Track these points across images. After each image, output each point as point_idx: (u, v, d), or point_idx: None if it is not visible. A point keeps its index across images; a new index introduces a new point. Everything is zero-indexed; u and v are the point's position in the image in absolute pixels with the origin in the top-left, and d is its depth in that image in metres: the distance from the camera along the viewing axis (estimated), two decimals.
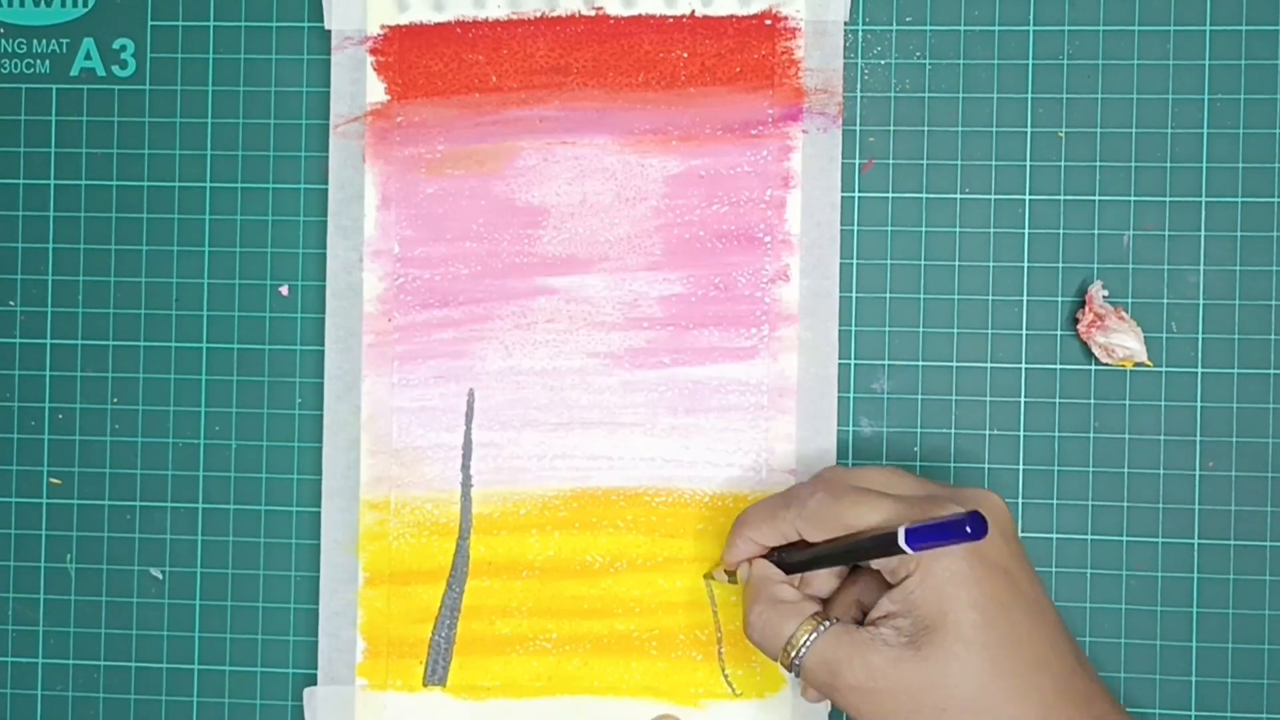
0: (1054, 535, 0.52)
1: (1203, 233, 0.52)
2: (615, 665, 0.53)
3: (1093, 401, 0.52)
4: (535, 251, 0.54)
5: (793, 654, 0.44)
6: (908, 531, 0.40)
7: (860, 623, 0.45)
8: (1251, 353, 0.52)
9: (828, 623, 0.44)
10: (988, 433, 0.53)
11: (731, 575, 0.51)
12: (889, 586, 0.43)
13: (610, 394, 0.53)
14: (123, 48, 0.55)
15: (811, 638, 0.44)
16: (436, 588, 0.53)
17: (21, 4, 0.56)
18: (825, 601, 0.47)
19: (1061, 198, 0.53)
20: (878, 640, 0.43)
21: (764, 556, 0.48)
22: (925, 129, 0.53)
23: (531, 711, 0.53)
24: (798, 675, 0.45)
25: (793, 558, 0.47)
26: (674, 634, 0.53)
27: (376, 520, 0.54)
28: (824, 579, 0.47)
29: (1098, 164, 0.53)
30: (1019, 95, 0.53)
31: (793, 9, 0.53)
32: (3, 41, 0.56)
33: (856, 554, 0.44)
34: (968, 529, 0.40)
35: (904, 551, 0.41)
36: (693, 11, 0.53)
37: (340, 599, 0.54)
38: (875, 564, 0.43)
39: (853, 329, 0.53)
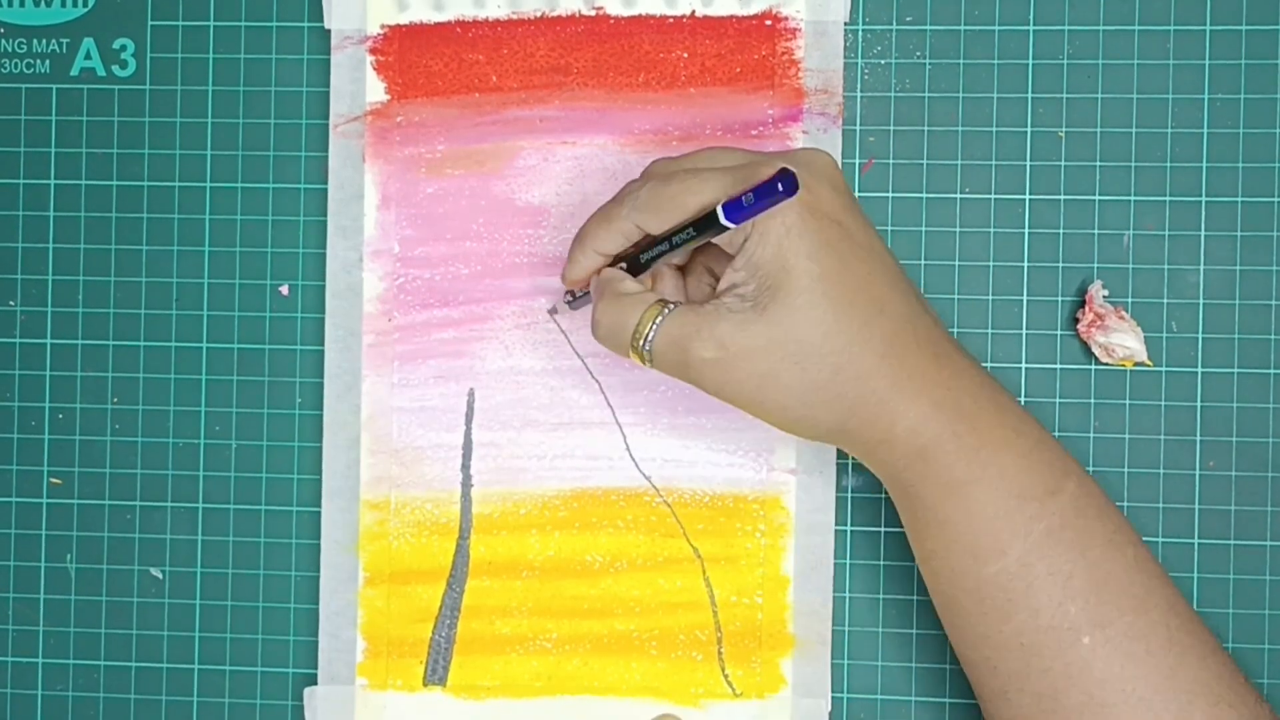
0: None
1: (1203, 233, 0.52)
2: (615, 665, 0.53)
3: (1093, 401, 0.52)
4: (535, 251, 0.54)
5: (641, 342, 0.44)
6: (725, 206, 0.41)
7: None
8: (1251, 353, 0.52)
9: (672, 305, 0.44)
10: None
11: (574, 298, 0.50)
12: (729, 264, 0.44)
13: (610, 394, 0.53)
14: (123, 48, 0.55)
15: (657, 321, 0.44)
16: (436, 588, 0.53)
17: (21, 4, 0.56)
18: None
19: (1061, 198, 0.53)
20: (722, 309, 0.43)
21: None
22: (925, 129, 0.53)
23: (531, 711, 0.53)
24: (650, 364, 0.45)
25: (633, 261, 0.47)
26: (674, 634, 0.53)
27: (376, 520, 0.54)
28: (671, 279, 0.48)
29: (1098, 164, 0.53)
30: (1019, 95, 0.53)
31: (793, 9, 0.53)
32: (3, 41, 0.56)
33: (687, 239, 0.44)
34: (779, 187, 0.40)
35: (727, 227, 0.41)
36: (693, 12, 0.53)
37: (340, 599, 0.54)
38: (716, 241, 0.44)
39: None
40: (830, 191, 0.44)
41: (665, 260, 0.46)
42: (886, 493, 0.52)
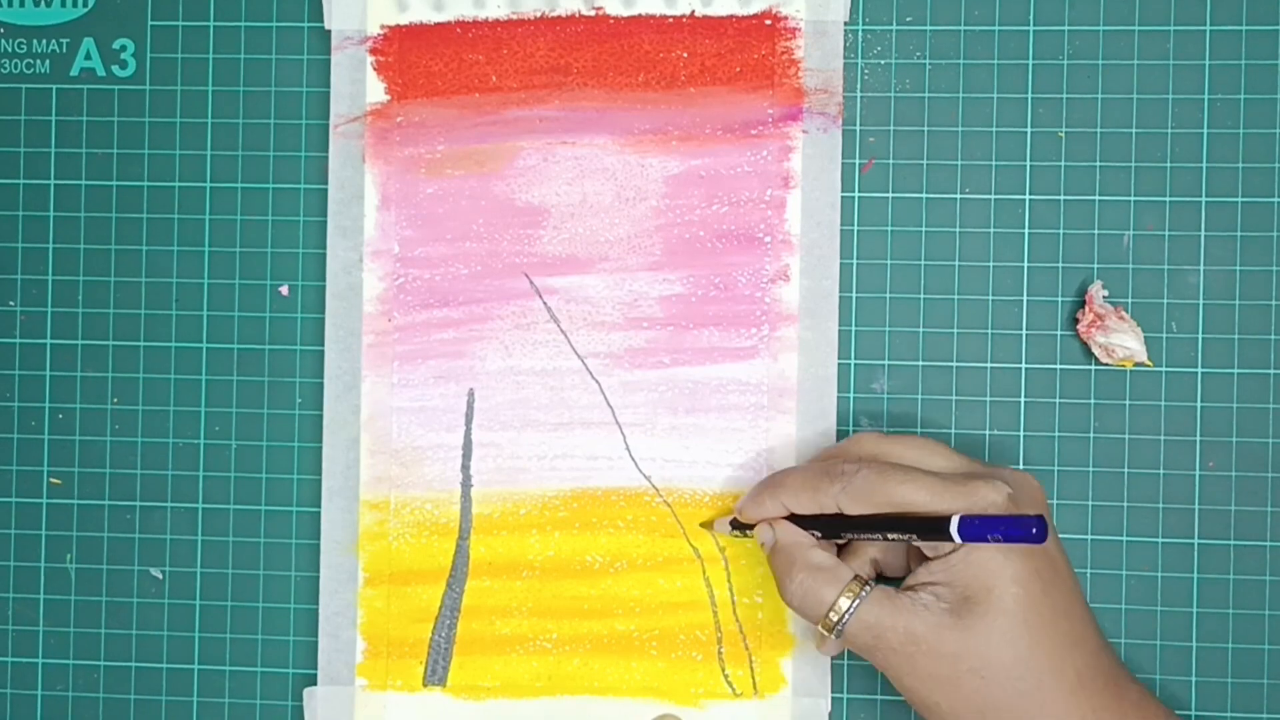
0: None
1: (1203, 233, 0.52)
2: (615, 665, 0.53)
3: (1093, 401, 0.52)
4: (535, 251, 0.54)
5: (836, 620, 0.45)
6: (962, 521, 0.41)
7: (879, 579, 0.46)
8: (1251, 353, 0.52)
9: (868, 587, 0.45)
10: (988, 433, 0.53)
11: (739, 529, 0.50)
12: (920, 555, 0.45)
13: (610, 394, 0.53)
14: (123, 48, 0.55)
15: (855, 604, 0.45)
16: (436, 588, 0.53)
17: (21, 4, 0.56)
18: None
19: (1061, 198, 0.53)
20: (918, 605, 0.44)
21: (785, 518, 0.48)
22: (925, 129, 0.53)
23: (531, 712, 0.53)
24: (837, 638, 0.45)
25: (820, 524, 0.47)
26: (674, 634, 0.53)
27: (376, 520, 0.54)
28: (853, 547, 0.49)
29: (1098, 164, 0.53)
30: (1019, 95, 0.53)
31: (793, 9, 0.53)
32: (3, 41, 0.56)
33: (897, 530, 0.44)
34: (1032, 530, 0.40)
35: (951, 539, 0.42)
36: (693, 11, 0.53)
37: (340, 599, 0.54)
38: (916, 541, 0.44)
39: (853, 329, 0.53)
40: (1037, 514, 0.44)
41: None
42: None
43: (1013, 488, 0.44)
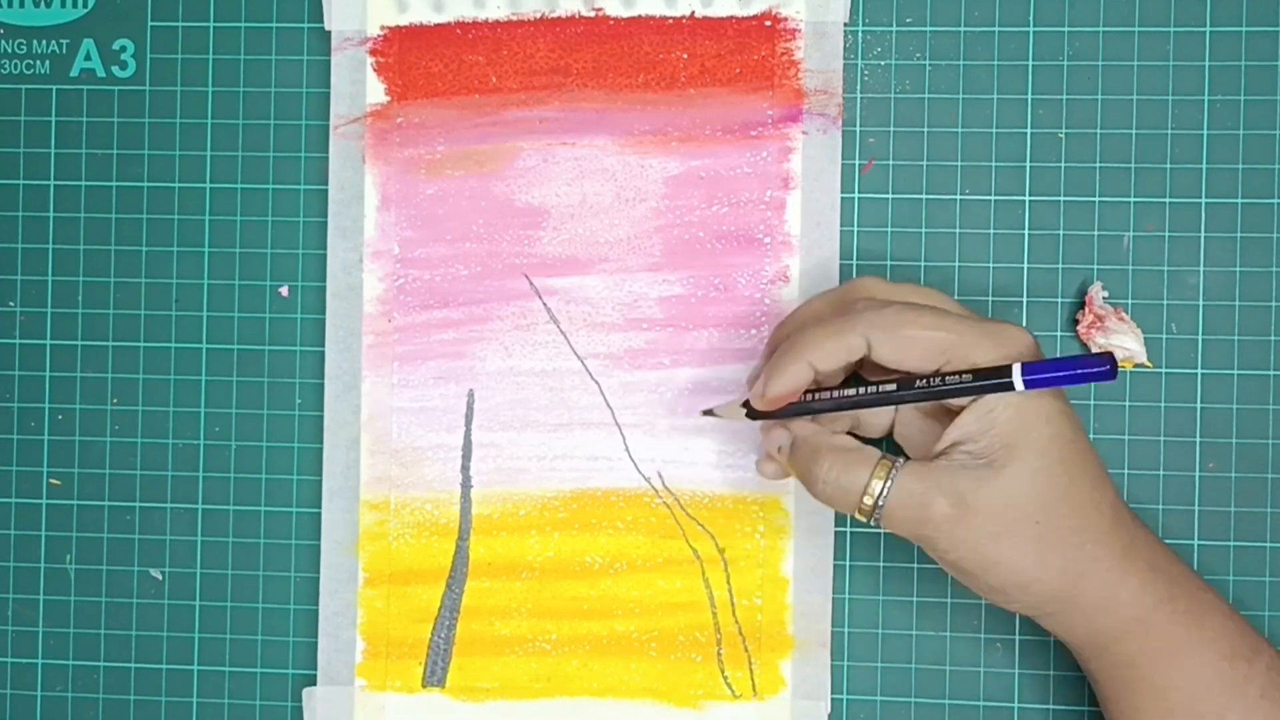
0: None
1: (1203, 234, 0.52)
2: (615, 666, 0.53)
3: (1093, 402, 0.52)
4: (535, 252, 0.54)
5: (874, 501, 0.43)
6: (1025, 368, 0.41)
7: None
8: (1251, 353, 0.52)
9: (899, 462, 0.44)
10: None
11: (758, 414, 0.48)
12: (943, 413, 0.44)
13: (610, 395, 0.53)
14: (123, 48, 0.55)
15: (890, 481, 0.43)
16: (436, 588, 0.54)
17: (21, 4, 0.56)
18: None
19: (1061, 198, 0.53)
20: (955, 467, 0.43)
21: (788, 409, 0.47)
22: (925, 130, 0.53)
23: (531, 712, 0.53)
24: (878, 524, 0.44)
25: (834, 403, 0.45)
26: (673, 635, 0.53)
27: (376, 520, 0.54)
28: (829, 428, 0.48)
29: (1098, 165, 0.53)
30: (1019, 96, 0.53)
31: (792, 10, 0.53)
32: (3, 42, 0.56)
33: (951, 393, 0.43)
34: (1105, 367, 0.40)
35: (1014, 388, 0.41)
36: (692, 12, 0.53)
37: (340, 599, 0.54)
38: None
39: None
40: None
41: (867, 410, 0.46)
42: None
43: (1006, 340, 0.43)
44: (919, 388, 0.44)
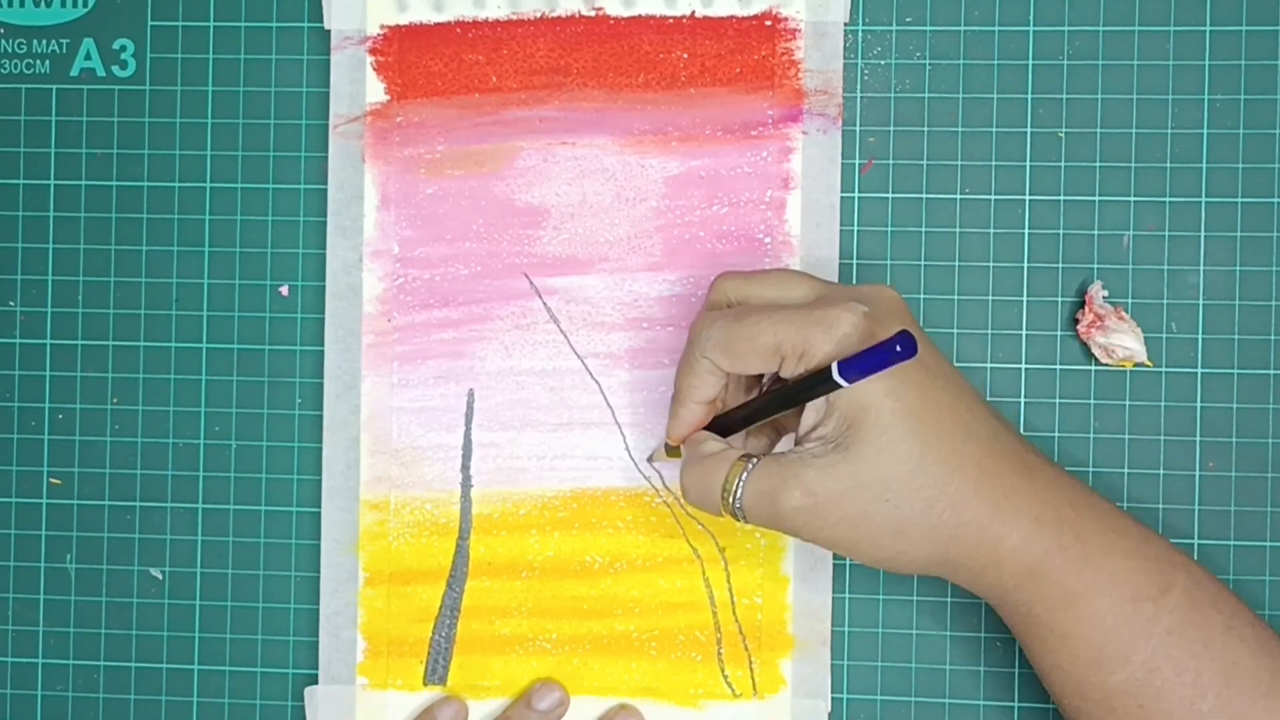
0: None
1: (1203, 233, 0.52)
2: (614, 665, 0.53)
3: (1093, 402, 0.52)
4: (535, 252, 0.54)
5: (730, 499, 0.44)
6: (840, 365, 0.41)
7: None
8: (1251, 353, 0.52)
9: (755, 459, 0.44)
10: None
11: (673, 451, 0.50)
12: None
13: (610, 394, 0.53)
14: (123, 48, 0.55)
15: (743, 478, 0.44)
16: (436, 588, 0.54)
17: (21, 4, 0.56)
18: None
19: (1061, 198, 0.53)
20: (806, 456, 0.43)
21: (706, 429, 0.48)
22: (925, 129, 0.53)
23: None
24: (743, 520, 0.45)
25: (729, 420, 0.47)
26: (673, 634, 0.53)
27: (376, 520, 0.54)
28: (757, 439, 0.48)
29: (1098, 164, 0.53)
30: (1019, 95, 0.53)
31: (793, 10, 0.53)
32: (3, 41, 0.56)
33: (793, 399, 0.44)
34: (898, 348, 0.40)
35: (840, 386, 0.41)
36: (693, 12, 0.53)
37: (340, 599, 0.54)
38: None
39: None
40: (899, 326, 0.44)
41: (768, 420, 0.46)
42: None
43: (869, 303, 0.43)
44: (761, 402, 0.45)
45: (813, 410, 0.43)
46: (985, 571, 0.44)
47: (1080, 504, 0.45)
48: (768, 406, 0.45)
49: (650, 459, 0.53)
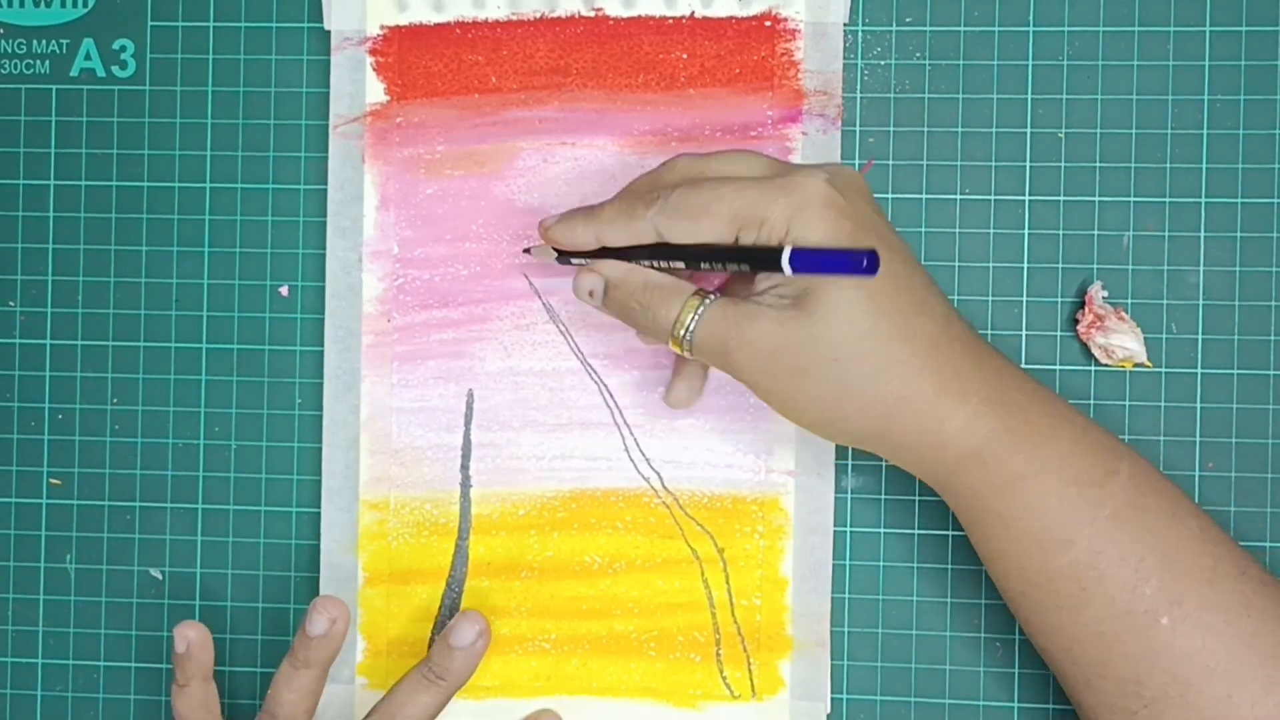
0: None
1: (1203, 233, 0.52)
2: (614, 666, 0.53)
3: (1093, 402, 0.52)
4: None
5: (682, 332, 0.45)
6: (794, 255, 0.41)
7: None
8: (1251, 353, 0.52)
9: (711, 297, 0.44)
10: None
11: (560, 255, 0.49)
12: None
13: (609, 395, 0.53)
14: (123, 48, 0.55)
15: (699, 313, 0.44)
16: (436, 587, 0.54)
17: (21, 4, 0.56)
18: None
19: (1061, 198, 0.53)
20: (763, 306, 0.43)
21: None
22: (925, 130, 0.53)
23: (530, 711, 0.53)
24: (689, 353, 0.45)
25: (647, 255, 0.46)
26: (672, 635, 0.53)
27: (376, 520, 0.54)
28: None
29: (1098, 165, 0.53)
30: (1019, 96, 0.53)
31: (792, 10, 0.53)
32: (3, 41, 0.56)
33: (731, 259, 0.43)
34: (864, 263, 0.40)
35: (782, 271, 0.41)
36: (692, 13, 0.53)
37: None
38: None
39: None
40: (865, 204, 0.44)
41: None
42: (885, 494, 0.52)
43: (833, 178, 0.43)
44: (705, 254, 0.44)
45: (770, 275, 0.44)
46: (928, 451, 0.44)
47: (1027, 390, 0.45)
48: (700, 256, 0.44)
49: (529, 250, 0.51)
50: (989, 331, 0.52)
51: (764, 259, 0.42)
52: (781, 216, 0.42)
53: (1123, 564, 0.43)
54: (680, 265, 0.45)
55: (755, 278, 0.44)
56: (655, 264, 0.46)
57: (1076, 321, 0.52)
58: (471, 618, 0.51)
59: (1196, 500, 0.52)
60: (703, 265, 0.44)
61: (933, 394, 0.43)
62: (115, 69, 0.55)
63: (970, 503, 0.45)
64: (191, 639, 0.50)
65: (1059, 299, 0.53)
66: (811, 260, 0.40)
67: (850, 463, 0.53)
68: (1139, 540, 0.44)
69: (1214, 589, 0.43)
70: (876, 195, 0.53)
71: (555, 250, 0.48)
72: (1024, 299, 0.53)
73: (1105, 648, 0.44)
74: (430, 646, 0.53)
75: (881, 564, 0.53)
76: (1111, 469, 0.44)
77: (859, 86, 0.53)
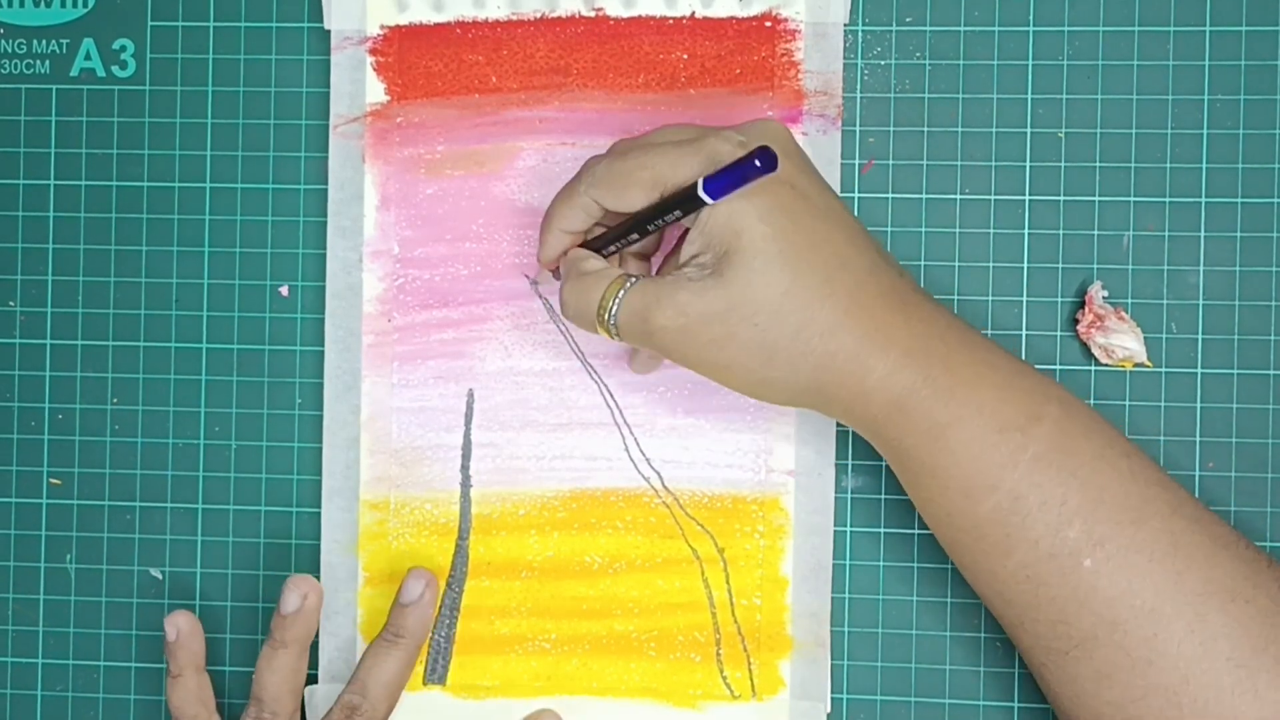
0: None
1: (1203, 233, 0.52)
2: (614, 666, 0.53)
3: (1093, 402, 0.52)
4: (535, 252, 0.53)
5: (605, 315, 0.45)
6: (705, 181, 0.41)
7: None
8: (1251, 353, 0.52)
9: (634, 279, 0.45)
10: None
11: (556, 274, 0.50)
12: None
13: (610, 395, 0.53)
14: (123, 48, 0.55)
15: (620, 295, 0.45)
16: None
17: (21, 4, 0.56)
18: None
19: (1061, 198, 0.53)
20: (682, 279, 0.44)
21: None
22: (925, 129, 0.53)
23: (530, 711, 0.53)
24: (617, 337, 0.46)
25: (605, 240, 0.47)
26: (672, 635, 0.53)
27: (376, 520, 0.54)
28: (635, 263, 0.49)
29: (1098, 164, 0.53)
30: (1019, 96, 0.53)
31: (792, 11, 0.53)
32: (3, 41, 0.56)
33: (662, 214, 0.44)
34: (757, 163, 0.40)
35: (706, 203, 0.41)
36: (693, 13, 0.53)
37: (340, 598, 0.54)
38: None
39: None
40: (781, 157, 0.43)
41: (638, 243, 0.47)
42: (884, 494, 0.52)
43: (748, 135, 0.44)
44: (631, 221, 0.46)
45: (692, 240, 0.44)
46: (855, 404, 0.44)
47: (952, 339, 0.45)
48: (637, 224, 0.46)
49: (534, 282, 0.53)
50: (989, 332, 0.52)
51: (684, 201, 0.43)
52: (692, 174, 0.43)
53: (1044, 508, 0.44)
54: (635, 238, 0.47)
55: (678, 255, 0.45)
56: (617, 246, 0.47)
57: (1076, 321, 0.52)
58: (418, 573, 0.52)
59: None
60: (649, 229, 0.45)
61: (854, 348, 0.43)
62: (115, 69, 0.55)
63: (897, 452, 0.46)
64: (182, 627, 0.51)
65: (1059, 299, 0.53)
66: (719, 180, 0.41)
67: (850, 463, 0.53)
68: (1062, 484, 0.44)
69: (1141, 529, 0.44)
70: (876, 195, 0.53)
71: (551, 272, 0.50)
72: (1024, 299, 0.53)
73: (1033, 591, 0.44)
74: (429, 646, 0.53)
75: (881, 564, 0.53)
76: (1037, 414, 0.44)
77: (859, 86, 0.53)
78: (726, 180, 0.41)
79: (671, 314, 0.44)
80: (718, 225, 0.43)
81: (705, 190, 0.41)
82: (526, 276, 0.54)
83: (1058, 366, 0.52)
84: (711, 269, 0.43)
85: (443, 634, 0.53)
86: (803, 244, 0.43)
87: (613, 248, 0.48)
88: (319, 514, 0.54)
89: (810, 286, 0.43)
